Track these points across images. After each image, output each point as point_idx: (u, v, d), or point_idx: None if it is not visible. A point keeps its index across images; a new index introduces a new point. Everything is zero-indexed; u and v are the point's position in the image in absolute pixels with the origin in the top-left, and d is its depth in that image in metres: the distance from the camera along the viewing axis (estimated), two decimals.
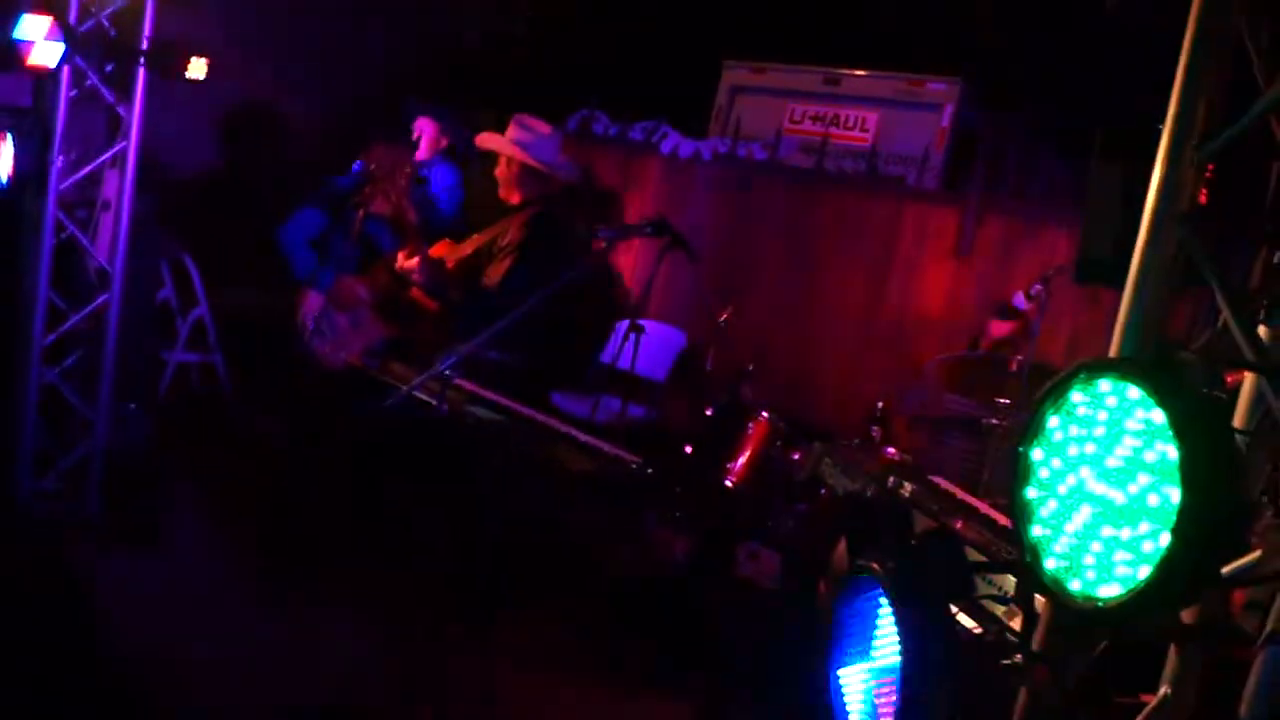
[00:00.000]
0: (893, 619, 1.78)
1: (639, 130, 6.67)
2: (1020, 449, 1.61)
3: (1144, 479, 1.42)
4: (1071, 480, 1.54)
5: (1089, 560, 1.49)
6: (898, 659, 1.75)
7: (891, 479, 3.34)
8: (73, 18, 4.11)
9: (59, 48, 3.86)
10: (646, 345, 4.82)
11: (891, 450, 4.05)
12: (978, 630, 2.11)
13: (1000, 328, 4.65)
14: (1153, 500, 1.40)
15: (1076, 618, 1.59)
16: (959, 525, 2.98)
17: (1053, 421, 1.57)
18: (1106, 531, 1.47)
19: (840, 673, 1.93)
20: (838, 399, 5.54)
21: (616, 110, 6.81)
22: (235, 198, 6.12)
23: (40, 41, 3.87)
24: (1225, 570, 1.59)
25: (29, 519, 4.40)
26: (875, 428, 4.35)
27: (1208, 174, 1.75)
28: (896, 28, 6.19)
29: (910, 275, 5.53)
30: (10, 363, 4.36)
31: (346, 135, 4.63)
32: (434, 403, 2.92)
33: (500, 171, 4.12)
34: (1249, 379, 1.79)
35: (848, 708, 1.91)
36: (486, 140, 4.15)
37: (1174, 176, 1.73)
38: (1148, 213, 1.75)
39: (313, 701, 3.29)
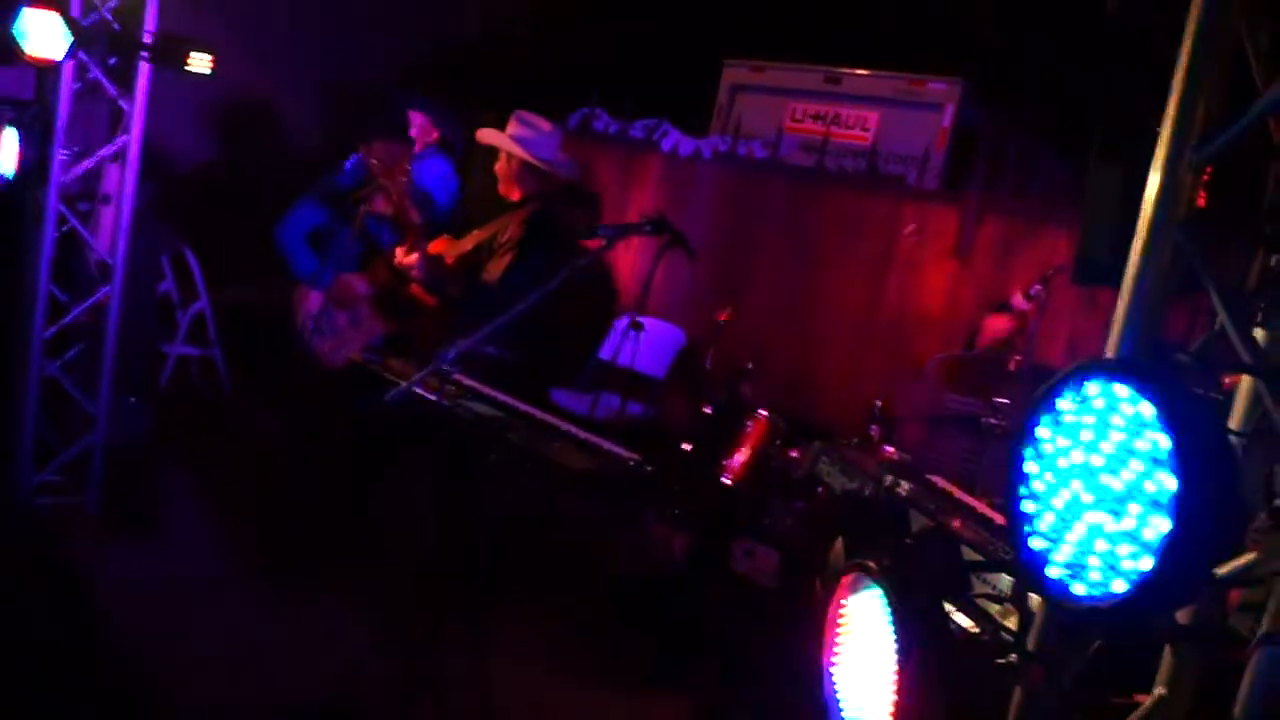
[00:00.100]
0: (888, 617, 1.78)
1: (640, 128, 6.67)
2: (1015, 449, 1.61)
3: (1139, 470, 1.43)
4: (1068, 479, 1.55)
5: (1087, 557, 1.50)
6: (893, 658, 1.76)
7: (889, 478, 3.35)
8: (76, 11, 4.12)
9: (63, 41, 3.87)
10: (646, 343, 4.83)
11: (889, 449, 4.06)
12: (973, 629, 2.12)
13: (996, 322, 4.65)
14: (1149, 490, 1.41)
15: (1070, 618, 1.60)
16: (956, 524, 2.99)
17: (1049, 421, 1.58)
18: (1103, 527, 1.48)
19: (835, 670, 1.94)
20: (836, 398, 5.55)
21: (617, 108, 6.82)
22: (234, 192, 6.13)
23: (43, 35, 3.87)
24: (1220, 571, 1.60)
25: (29, 511, 4.41)
26: (874, 427, 4.36)
27: (1205, 177, 1.76)
28: (897, 28, 6.20)
29: (910, 275, 5.54)
30: (11, 355, 4.37)
31: (345, 131, 4.63)
32: (433, 398, 2.92)
33: (500, 167, 4.12)
34: (1246, 382, 1.79)
35: (842, 706, 1.92)
36: (486, 135, 4.15)
37: (1172, 179, 1.73)
38: (1145, 215, 1.75)
39: (312, 698, 3.30)
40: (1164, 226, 1.74)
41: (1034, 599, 1.99)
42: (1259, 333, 1.75)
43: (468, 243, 4.04)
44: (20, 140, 4.32)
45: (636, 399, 5.55)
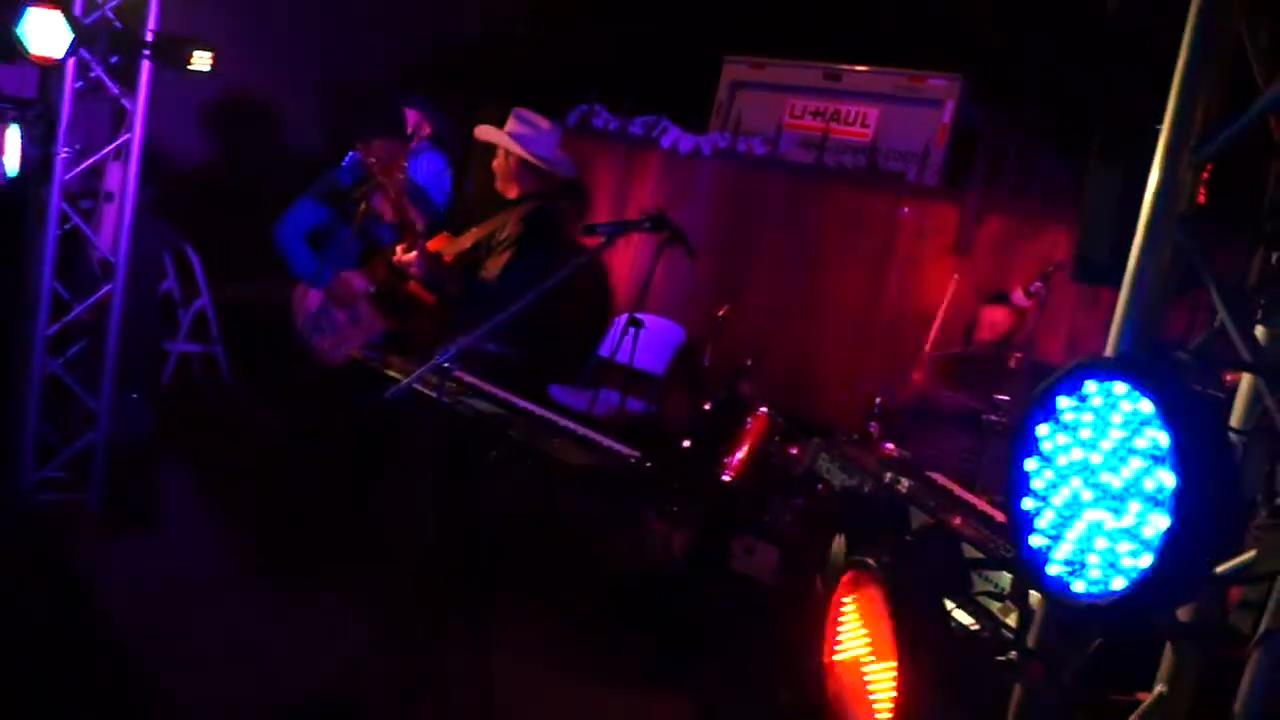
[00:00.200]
0: (889, 614, 1.79)
1: (639, 125, 6.67)
2: (1015, 447, 1.62)
3: (1138, 466, 1.44)
4: (1068, 477, 1.56)
5: (1087, 554, 1.51)
6: (894, 654, 1.76)
7: (889, 475, 3.35)
8: (78, 10, 4.13)
9: (65, 39, 3.87)
10: (645, 340, 4.83)
11: (889, 446, 4.06)
12: (974, 626, 2.13)
13: (994, 314, 4.64)
14: (1148, 487, 1.42)
15: (1070, 615, 1.61)
16: (956, 522, 2.99)
17: (1047, 420, 1.58)
18: (1103, 524, 1.49)
19: (836, 666, 1.95)
20: (836, 394, 5.56)
21: (617, 105, 6.82)
22: (235, 191, 6.14)
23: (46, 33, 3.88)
24: (1220, 569, 1.60)
25: (32, 507, 4.42)
26: (873, 423, 4.37)
27: (1206, 174, 1.76)
28: (897, 26, 6.20)
29: (909, 271, 5.54)
30: (14, 352, 4.38)
31: (345, 130, 4.63)
32: (434, 395, 2.93)
33: (498, 164, 4.12)
34: (1246, 380, 1.80)
35: (845, 701, 1.93)
36: (485, 132, 4.15)
37: (1172, 177, 1.74)
38: (1145, 214, 1.76)
39: (312, 696, 3.30)
40: (1164, 224, 1.75)
41: (1034, 596, 1.99)
42: (1259, 330, 1.76)
43: (466, 240, 4.04)
44: (23, 138, 4.32)
45: (636, 396, 5.56)
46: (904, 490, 3.27)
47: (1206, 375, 1.90)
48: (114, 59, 4.33)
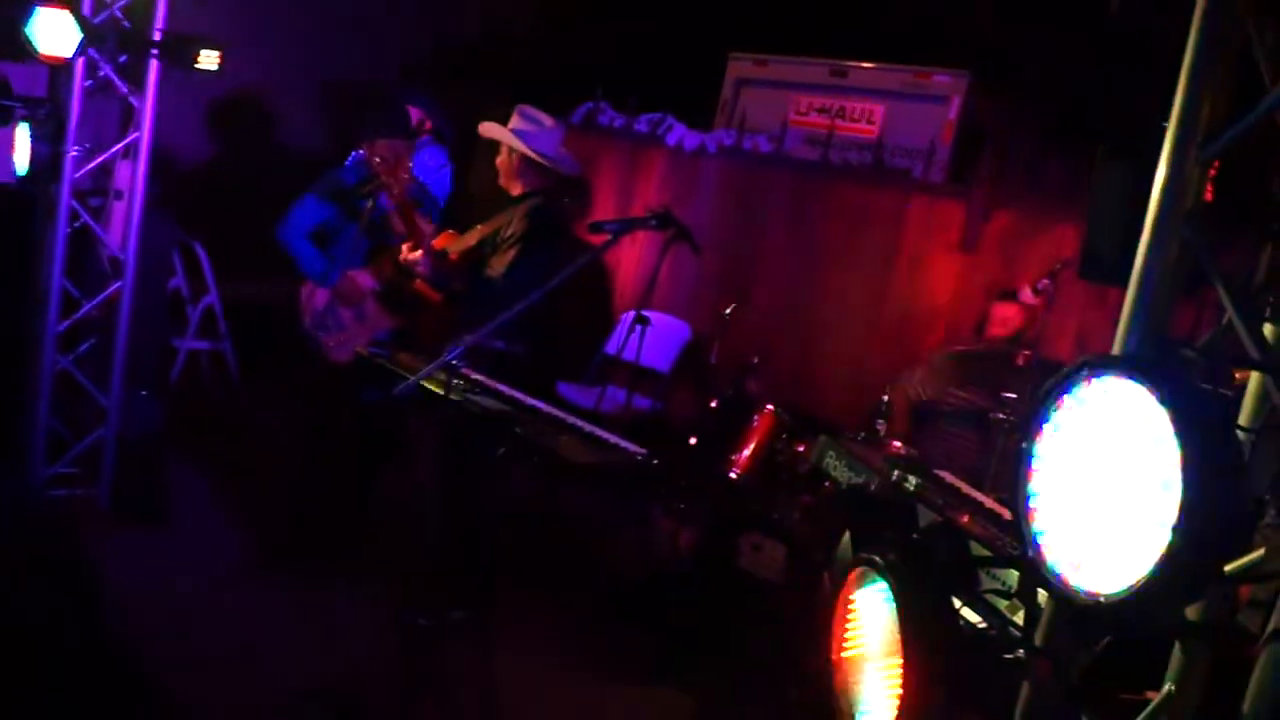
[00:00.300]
0: (896, 613, 1.79)
1: (644, 123, 6.67)
2: (1023, 443, 1.62)
3: (1145, 475, 1.44)
4: (1074, 475, 1.56)
5: (1091, 555, 1.51)
6: (901, 653, 1.77)
7: (896, 473, 3.35)
8: (87, 9, 4.14)
9: (74, 38, 3.89)
10: (651, 337, 4.84)
11: (896, 444, 4.06)
12: (981, 625, 2.13)
13: (1004, 310, 4.64)
14: (1154, 497, 1.42)
15: (1078, 613, 1.61)
16: (964, 520, 2.99)
17: (1056, 417, 1.58)
18: (1108, 527, 1.49)
19: (842, 665, 1.95)
20: (843, 392, 5.55)
21: (622, 103, 6.82)
22: (242, 189, 6.15)
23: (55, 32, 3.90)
24: (1228, 568, 1.60)
25: (42, 503, 4.45)
26: (880, 421, 4.36)
27: (1213, 172, 1.76)
28: (902, 23, 6.18)
29: (916, 268, 5.54)
30: (25, 349, 4.41)
31: (352, 128, 4.64)
32: (441, 392, 2.94)
33: (501, 161, 4.12)
34: (1255, 378, 1.80)
35: (850, 701, 1.93)
36: (488, 129, 4.15)
37: (1178, 175, 1.73)
38: (1152, 212, 1.75)
39: (318, 691, 3.32)
40: (1171, 222, 1.74)
41: (1042, 594, 1.99)
42: (1268, 328, 1.76)
43: (471, 238, 4.04)
44: (32, 137, 4.34)
45: (642, 393, 5.57)
46: (911, 488, 3.26)
47: (1216, 373, 1.90)
48: (122, 58, 4.35)
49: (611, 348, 5.93)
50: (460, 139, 5.53)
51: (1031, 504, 1.61)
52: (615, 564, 4.70)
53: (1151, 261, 1.76)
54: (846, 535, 3.46)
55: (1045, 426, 1.60)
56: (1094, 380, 1.53)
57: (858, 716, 1.89)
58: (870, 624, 1.90)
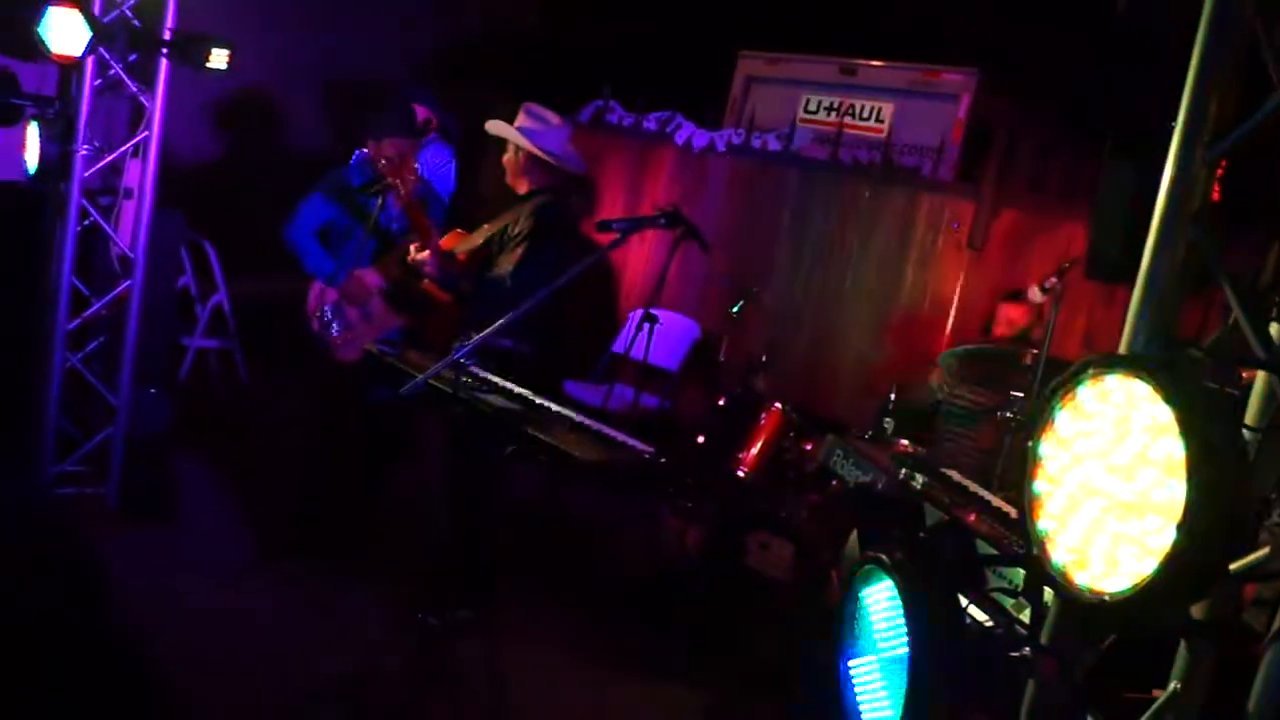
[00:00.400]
0: (902, 611, 1.80)
1: (653, 121, 6.68)
2: (1029, 442, 1.62)
3: (1150, 474, 1.44)
4: (1079, 474, 1.56)
5: (1096, 554, 1.51)
6: (906, 651, 1.77)
7: (903, 471, 3.35)
8: (97, 9, 4.16)
9: (84, 37, 3.91)
10: (660, 335, 4.84)
11: (904, 442, 4.06)
12: (987, 623, 2.13)
13: (1011, 310, 4.64)
14: (1159, 495, 1.42)
15: (1083, 611, 1.61)
16: (970, 518, 2.99)
17: (1061, 416, 1.58)
18: (1113, 525, 1.49)
19: (851, 664, 1.96)
20: (851, 390, 5.55)
21: (631, 101, 6.82)
22: (250, 187, 6.18)
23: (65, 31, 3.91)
24: (1234, 566, 1.60)
25: (51, 501, 4.47)
26: (888, 420, 4.36)
27: (1219, 171, 1.76)
28: (911, 21, 6.17)
29: (924, 266, 5.53)
30: (34, 347, 4.43)
31: (358, 127, 4.65)
32: (449, 390, 2.95)
33: (507, 159, 4.12)
34: (1260, 377, 1.79)
35: (858, 699, 1.93)
36: (494, 127, 4.16)
37: (1185, 174, 1.73)
38: (1158, 211, 1.75)
39: (328, 688, 3.33)
40: (1178, 221, 1.74)
41: (1047, 593, 1.99)
42: (1274, 327, 1.75)
43: (478, 237, 4.05)
44: (42, 136, 4.36)
45: (650, 391, 5.57)
46: (918, 487, 3.27)
47: (1223, 372, 1.90)
48: (132, 57, 4.37)
49: (619, 346, 5.93)
50: (468, 138, 5.54)
51: (1035, 501, 1.61)
52: (623, 562, 4.71)
53: (1158, 261, 1.76)
54: (854, 534, 3.46)
55: (1051, 425, 1.60)
56: (1100, 379, 1.53)
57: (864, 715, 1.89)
58: (878, 622, 1.90)
